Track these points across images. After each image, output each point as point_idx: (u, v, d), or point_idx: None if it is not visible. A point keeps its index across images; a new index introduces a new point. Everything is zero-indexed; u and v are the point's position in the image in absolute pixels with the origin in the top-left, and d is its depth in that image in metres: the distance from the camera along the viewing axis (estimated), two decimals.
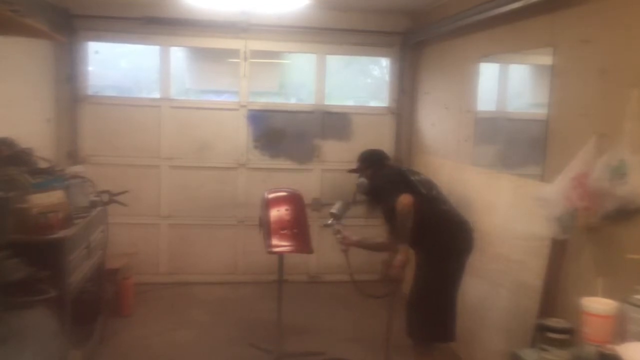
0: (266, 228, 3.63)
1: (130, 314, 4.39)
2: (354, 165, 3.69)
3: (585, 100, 2.72)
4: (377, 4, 4.98)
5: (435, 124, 4.87)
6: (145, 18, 4.88)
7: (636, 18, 2.39)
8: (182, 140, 5.20)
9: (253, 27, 5.02)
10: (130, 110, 5.12)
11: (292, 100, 6.17)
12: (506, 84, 3.92)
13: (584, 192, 2.44)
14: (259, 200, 3.89)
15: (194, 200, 5.25)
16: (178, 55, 5.47)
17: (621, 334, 1.91)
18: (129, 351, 3.82)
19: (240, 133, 5.28)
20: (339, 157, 5.27)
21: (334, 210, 3.52)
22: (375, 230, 3.82)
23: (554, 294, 2.82)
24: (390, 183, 3.22)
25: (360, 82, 6.42)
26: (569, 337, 1.98)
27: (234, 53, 5.22)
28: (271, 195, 3.82)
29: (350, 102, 5.96)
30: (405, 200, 2.92)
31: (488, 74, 3.95)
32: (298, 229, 3.65)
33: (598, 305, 1.98)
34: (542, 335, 2.02)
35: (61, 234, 2.91)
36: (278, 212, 3.68)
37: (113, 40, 5.14)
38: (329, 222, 3.51)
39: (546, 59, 3.04)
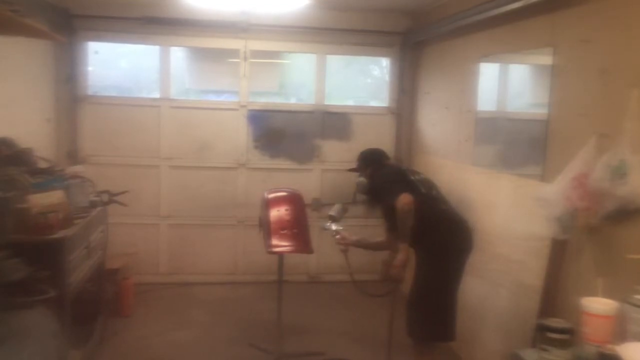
0: (266, 228, 3.63)
1: (130, 314, 4.39)
2: (354, 165, 3.70)
3: (585, 100, 2.72)
4: (377, 4, 4.98)
5: (436, 124, 4.87)
6: (145, 18, 4.88)
7: (636, 18, 2.39)
8: (182, 140, 5.20)
9: (253, 27, 5.02)
10: (130, 110, 5.12)
11: (292, 100, 6.17)
12: (506, 84, 3.92)
13: (584, 192, 2.44)
14: (259, 200, 3.89)
15: (194, 200, 5.25)
16: (178, 55, 5.47)
17: (621, 334, 1.90)
18: (129, 351, 3.82)
19: (240, 133, 5.28)
20: (339, 157, 5.27)
21: (332, 212, 3.55)
22: (375, 230, 3.83)
23: (554, 294, 2.81)
24: (390, 182, 3.22)
25: (360, 82, 6.42)
26: (569, 337, 1.98)
27: (234, 53, 5.22)
28: (271, 195, 3.82)
29: (350, 102, 5.96)
30: (405, 199, 2.92)
31: (488, 74, 3.94)
32: (298, 229, 3.64)
33: (598, 305, 1.97)
34: (542, 335, 2.01)
35: (61, 234, 2.90)
36: (278, 212, 3.68)
37: (113, 40, 5.14)
38: (327, 225, 3.54)
39: (546, 59, 3.04)
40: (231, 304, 4.82)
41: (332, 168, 5.33)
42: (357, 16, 5.18)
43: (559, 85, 2.96)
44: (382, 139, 5.27)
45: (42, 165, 3.39)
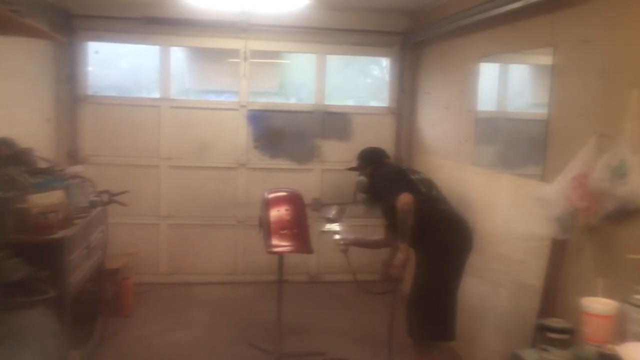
0: (266, 228, 3.63)
1: (130, 314, 4.39)
2: (354, 165, 3.70)
3: (585, 100, 2.72)
4: (377, 4, 4.98)
5: (436, 124, 4.87)
6: (145, 18, 4.88)
7: (636, 18, 2.39)
8: (182, 140, 5.20)
9: (253, 27, 5.02)
10: (130, 110, 5.12)
11: (292, 100, 6.17)
12: (506, 84, 3.92)
13: (584, 192, 2.44)
14: (259, 200, 3.89)
15: (194, 200, 5.25)
16: (178, 55, 5.47)
17: (621, 334, 1.90)
18: (129, 351, 3.82)
19: (240, 133, 5.28)
20: (339, 157, 5.27)
21: (329, 215, 3.57)
22: (375, 229, 3.83)
23: (554, 294, 2.81)
24: (390, 181, 3.22)
25: (360, 82, 6.41)
26: (569, 337, 1.98)
27: (234, 53, 5.22)
28: (271, 195, 3.82)
29: (350, 102, 5.96)
30: (405, 199, 2.92)
31: (488, 74, 3.94)
32: (298, 229, 3.64)
33: (598, 305, 1.98)
34: (542, 335, 2.02)
35: (61, 234, 2.90)
36: (278, 212, 3.68)
37: (113, 40, 5.14)
38: (326, 228, 3.54)
39: (546, 59, 3.04)
40: (231, 304, 4.82)
41: (332, 168, 5.33)
42: (357, 16, 5.18)
43: (559, 85, 2.96)
44: (382, 139, 5.26)
45: (42, 165, 3.38)
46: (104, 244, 3.81)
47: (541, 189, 2.81)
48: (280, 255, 3.67)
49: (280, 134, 5.36)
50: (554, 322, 2.04)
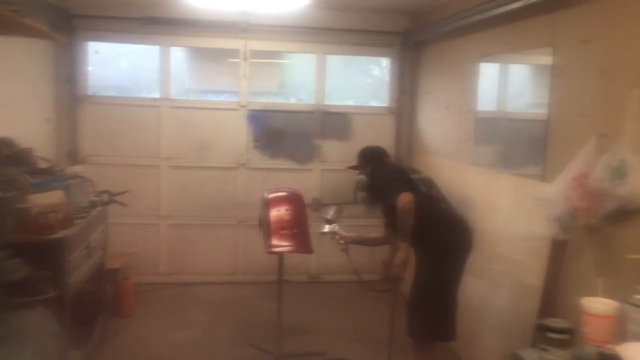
0: (266, 228, 3.63)
1: (130, 314, 4.39)
2: (354, 164, 3.70)
3: (585, 100, 2.72)
4: (377, 4, 4.98)
5: (436, 124, 4.87)
6: (145, 18, 4.88)
7: (636, 18, 2.39)
8: (182, 140, 5.20)
9: (253, 27, 5.02)
10: (130, 110, 5.12)
11: (292, 100, 6.17)
12: (506, 84, 3.92)
13: (584, 192, 2.44)
14: (259, 200, 3.89)
15: (194, 200, 5.25)
16: (178, 55, 5.47)
17: (621, 334, 1.90)
18: (129, 351, 3.82)
19: (240, 133, 5.28)
20: (339, 157, 5.27)
21: (328, 216, 3.57)
22: (375, 229, 3.82)
23: (554, 294, 2.81)
24: (390, 181, 3.22)
25: (360, 82, 6.42)
26: (569, 337, 1.98)
27: (234, 53, 5.22)
28: (271, 195, 3.82)
29: (350, 102, 5.96)
30: (405, 198, 2.92)
31: (488, 74, 3.94)
32: (298, 229, 3.64)
33: (598, 305, 1.98)
34: (542, 335, 2.02)
35: (61, 234, 2.90)
36: (278, 212, 3.68)
37: (113, 40, 5.15)
38: (325, 229, 3.56)
39: (546, 59, 3.04)
40: (231, 304, 4.82)
41: (332, 168, 5.33)
42: (357, 16, 5.18)
43: (559, 85, 2.96)
44: (382, 139, 5.24)
45: (42, 165, 3.38)
46: (104, 244, 3.81)
47: (541, 189, 2.81)
48: (280, 255, 3.67)
49: (280, 134, 5.36)
50: (554, 322, 2.04)
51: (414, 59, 5.34)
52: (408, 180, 3.21)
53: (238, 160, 5.30)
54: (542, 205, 2.72)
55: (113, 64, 5.66)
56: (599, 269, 2.46)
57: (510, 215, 3.31)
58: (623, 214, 2.29)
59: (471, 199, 3.69)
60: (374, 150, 3.67)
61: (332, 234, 3.54)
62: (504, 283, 3.25)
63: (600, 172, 2.35)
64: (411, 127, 5.41)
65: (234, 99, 5.34)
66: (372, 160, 3.56)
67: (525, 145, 3.37)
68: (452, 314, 3.12)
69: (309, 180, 5.34)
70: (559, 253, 2.80)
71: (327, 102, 5.42)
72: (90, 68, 5.10)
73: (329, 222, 3.56)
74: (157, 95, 5.22)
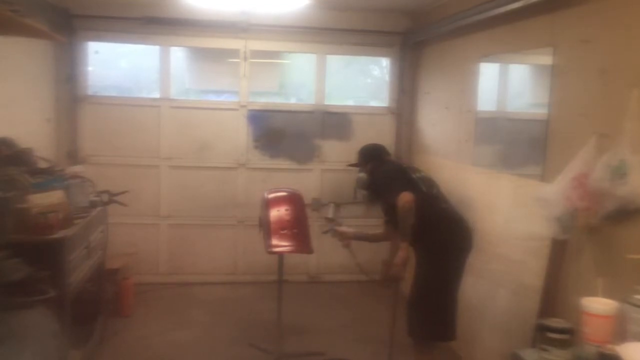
0: (266, 228, 3.63)
1: (130, 314, 4.39)
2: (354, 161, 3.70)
3: (585, 100, 2.72)
4: (377, 4, 4.98)
5: (436, 124, 4.87)
6: (145, 18, 4.88)
7: (636, 18, 2.39)
8: (182, 140, 5.20)
9: (253, 27, 5.02)
10: (130, 110, 5.12)
11: (292, 100, 6.18)
12: (506, 84, 3.92)
13: (584, 192, 2.44)
14: (259, 200, 3.89)
15: (194, 200, 5.25)
16: (178, 55, 5.47)
17: (621, 334, 1.91)
18: (129, 351, 3.82)
19: (240, 133, 5.28)
20: (339, 157, 5.27)
21: (329, 215, 3.58)
22: (375, 229, 3.82)
23: (554, 294, 2.82)
24: (391, 179, 3.22)
25: (360, 82, 6.42)
26: (569, 337, 1.98)
27: (234, 53, 5.22)
28: (271, 195, 3.82)
29: (350, 102, 5.96)
30: (405, 197, 2.92)
31: (488, 74, 3.94)
32: (298, 229, 3.64)
33: (598, 305, 1.98)
34: (542, 335, 2.02)
35: (61, 234, 2.90)
36: (278, 212, 3.68)
37: (113, 40, 5.15)
38: (327, 229, 3.57)
39: (546, 59, 3.04)
40: (231, 304, 4.82)
41: (332, 168, 5.33)
42: (357, 16, 5.18)
43: (559, 85, 2.96)
44: (382, 139, 5.19)
45: (42, 165, 3.38)
46: (104, 244, 3.81)
47: (541, 189, 2.81)
48: (280, 255, 3.67)
49: (280, 134, 5.36)
50: (554, 322, 2.04)
51: (414, 59, 5.34)
52: (409, 179, 3.21)
53: (238, 160, 5.30)
54: (542, 205, 2.72)
55: (113, 64, 5.66)
56: (599, 269, 2.46)
57: (510, 215, 3.31)
58: (623, 214, 2.29)
59: (471, 199, 3.69)
60: (374, 147, 3.67)
61: (334, 231, 3.55)
62: (504, 283, 3.24)
63: (600, 172, 2.35)
64: (411, 127, 5.41)
65: (234, 99, 5.34)
66: (372, 158, 3.55)
67: (525, 145, 3.37)
68: (452, 314, 3.11)
69: (309, 180, 5.34)
70: (559, 253, 2.80)
71: (327, 102, 5.42)
72: (90, 68, 5.10)
73: (330, 220, 3.57)
74: (157, 95, 5.22)
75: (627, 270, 2.18)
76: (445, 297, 3.10)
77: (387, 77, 5.61)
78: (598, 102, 2.62)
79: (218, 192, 5.29)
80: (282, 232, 3.60)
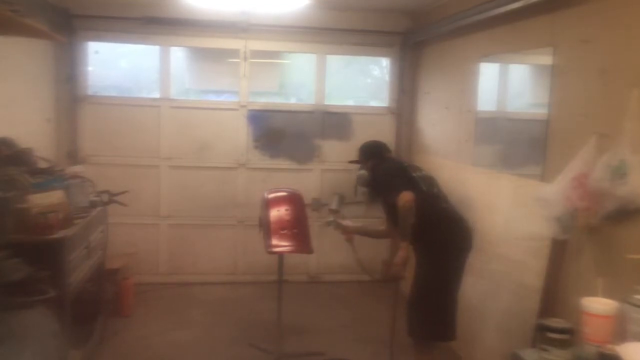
0: (266, 228, 3.63)
1: (130, 314, 4.39)
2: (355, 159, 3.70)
3: (585, 100, 2.72)
4: (377, 4, 4.98)
5: (436, 124, 4.87)
6: (145, 18, 4.88)
7: (636, 18, 2.39)
8: (182, 140, 5.20)
9: (253, 27, 5.02)
10: (130, 110, 5.12)
11: (292, 100, 6.18)
12: (506, 84, 3.92)
13: (584, 192, 2.44)
14: (259, 200, 3.89)
15: (194, 200, 5.25)
16: (178, 55, 5.47)
17: (621, 334, 1.90)
18: (129, 351, 3.82)
19: (240, 133, 5.28)
20: (339, 157, 5.26)
21: (332, 206, 3.57)
22: (377, 226, 3.82)
23: (554, 294, 2.82)
24: (391, 176, 3.21)
25: (360, 82, 6.42)
26: (569, 337, 1.98)
27: (234, 53, 5.22)
28: (271, 195, 3.82)
29: (350, 102, 5.96)
30: (406, 197, 2.92)
31: (488, 74, 3.95)
32: (298, 229, 3.65)
33: (598, 305, 1.98)
34: (542, 335, 2.02)
35: (61, 234, 2.90)
36: (278, 212, 3.68)
37: (113, 40, 5.15)
38: (330, 219, 3.57)
39: (546, 59, 3.04)
40: (231, 304, 4.82)
41: (332, 168, 5.33)
42: (357, 16, 5.18)
43: (559, 85, 2.96)
44: (382, 139, 5.15)
45: (42, 165, 3.38)
46: (104, 244, 3.81)
47: (541, 189, 2.81)
48: (280, 255, 3.67)
49: (280, 134, 5.36)
50: (554, 322, 2.04)
51: (414, 59, 5.34)
52: (409, 178, 3.20)
53: (238, 160, 5.30)
54: (542, 205, 2.72)
55: (113, 64, 5.66)
56: (599, 269, 2.46)
57: (510, 215, 3.31)
58: (623, 214, 2.29)
59: (471, 199, 3.69)
60: (375, 145, 3.66)
61: (336, 223, 3.54)
62: (504, 283, 3.24)
63: (600, 172, 2.35)
64: (411, 127, 5.41)
65: (234, 99, 5.34)
66: (373, 155, 3.55)
67: (525, 145, 3.37)
68: (452, 314, 3.11)
69: (309, 180, 5.34)
70: (559, 253, 2.80)
71: (327, 102, 5.42)
72: (90, 68, 5.10)
73: (334, 212, 3.56)
74: (157, 95, 5.22)
75: (627, 270, 2.18)
76: (445, 297, 3.09)
77: (387, 77, 5.62)
78: (598, 102, 2.62)
79: (218, 192, 5.29)
80: (282, 232, 3.60)
